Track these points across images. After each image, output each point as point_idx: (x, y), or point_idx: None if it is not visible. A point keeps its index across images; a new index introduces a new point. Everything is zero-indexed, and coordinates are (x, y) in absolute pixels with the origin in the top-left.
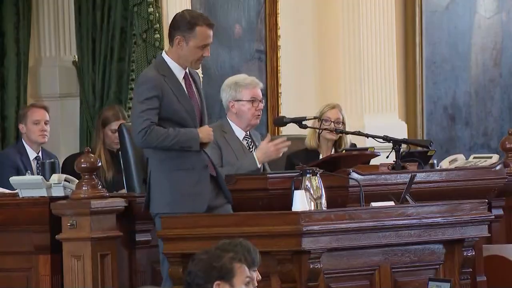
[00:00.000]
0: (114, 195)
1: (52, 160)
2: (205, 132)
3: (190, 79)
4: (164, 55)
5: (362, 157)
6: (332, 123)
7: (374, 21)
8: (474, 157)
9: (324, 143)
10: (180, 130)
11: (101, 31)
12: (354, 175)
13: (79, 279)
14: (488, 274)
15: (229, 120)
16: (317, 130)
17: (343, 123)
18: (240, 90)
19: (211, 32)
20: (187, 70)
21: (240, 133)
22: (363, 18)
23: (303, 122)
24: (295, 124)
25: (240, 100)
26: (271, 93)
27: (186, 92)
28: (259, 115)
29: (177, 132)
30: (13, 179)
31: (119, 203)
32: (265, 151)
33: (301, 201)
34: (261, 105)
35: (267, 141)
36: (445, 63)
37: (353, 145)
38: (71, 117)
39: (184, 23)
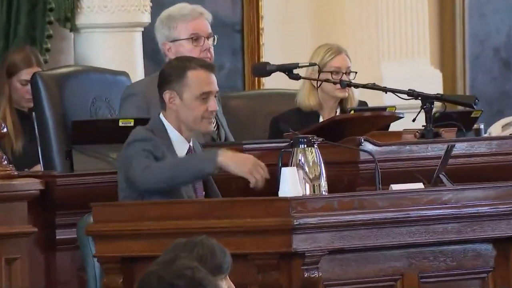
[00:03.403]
0: (25, 174)
1: None
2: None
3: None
4: (161, 116)
5: (378, 120)
6: (344, 75)
7: None
8: None
9: (327, 102)
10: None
11: None
12: (367, 146)
13: None
14: None
15: None
16: (316, 83)
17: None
18: (175, 25)
19: (211, 76)
20: (191, 144)
21: None
22: None
23: (295, 71)
24: (283, 74)
25: (176, 40)
26: (249, 30)
27: None
28: (207, 57)
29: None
30: None
31: (33, 185)
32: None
33: (291, 183)
34: (208, 43)
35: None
36: None
37: (364, 103)
38: None
39: (171, 72)
